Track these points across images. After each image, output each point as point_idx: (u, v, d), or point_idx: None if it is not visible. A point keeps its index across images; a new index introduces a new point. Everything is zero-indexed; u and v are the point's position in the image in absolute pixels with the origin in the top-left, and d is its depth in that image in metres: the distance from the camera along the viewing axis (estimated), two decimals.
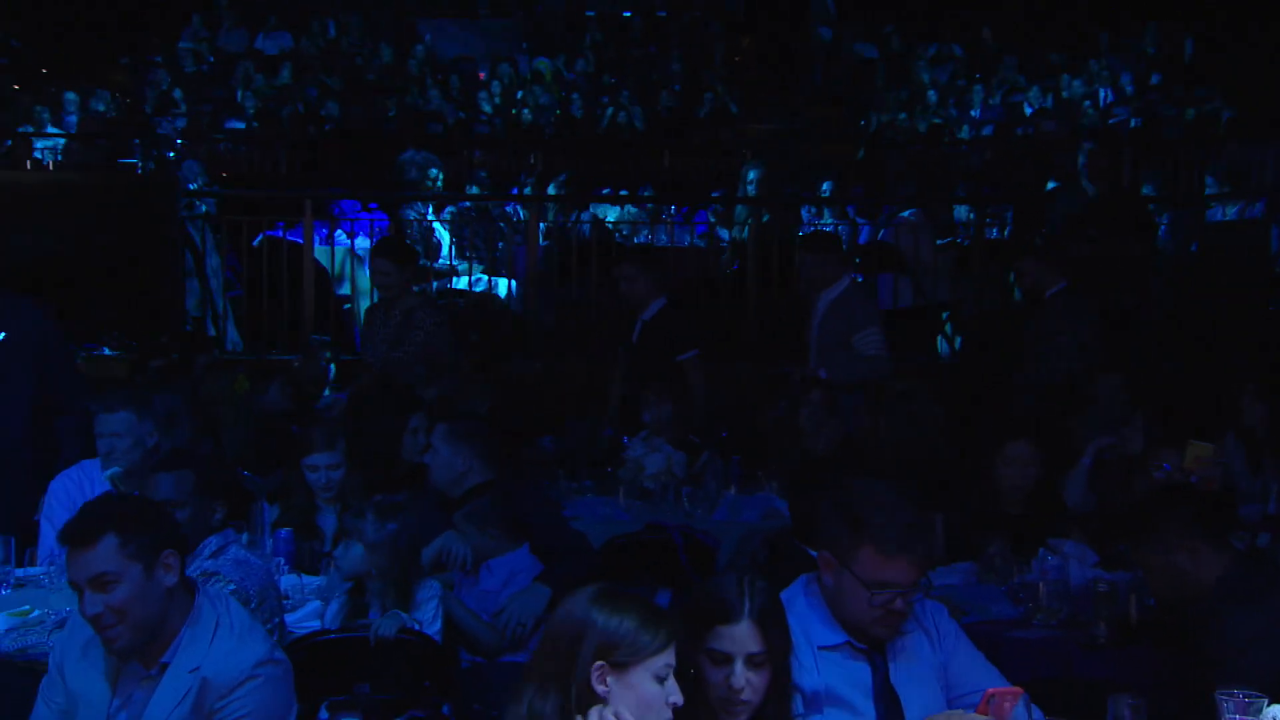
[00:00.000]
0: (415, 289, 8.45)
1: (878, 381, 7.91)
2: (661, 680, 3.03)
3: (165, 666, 3.66)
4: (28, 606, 5.00)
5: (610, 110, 17.16)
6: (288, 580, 5.51)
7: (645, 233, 12.56)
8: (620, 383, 8.39)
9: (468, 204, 12.88)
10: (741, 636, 3.31)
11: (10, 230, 10.56)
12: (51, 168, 13.81)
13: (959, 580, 5.55)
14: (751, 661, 3.31)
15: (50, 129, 15.27)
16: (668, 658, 3.04)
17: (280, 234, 11.83)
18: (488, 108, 17.39)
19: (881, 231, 12.54)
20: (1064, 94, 16.99)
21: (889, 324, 8.71)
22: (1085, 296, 8.35)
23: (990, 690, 3.51)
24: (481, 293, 11.93)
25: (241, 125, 16.21)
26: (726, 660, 3.31)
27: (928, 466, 6.74)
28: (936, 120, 16.51)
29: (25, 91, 17.00)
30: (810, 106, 17.65)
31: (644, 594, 5.26)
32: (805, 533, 4.87)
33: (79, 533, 3.59)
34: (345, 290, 11.80)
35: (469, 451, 5.81)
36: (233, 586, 4.68)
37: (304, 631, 5.03)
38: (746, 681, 3.30)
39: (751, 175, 13.23)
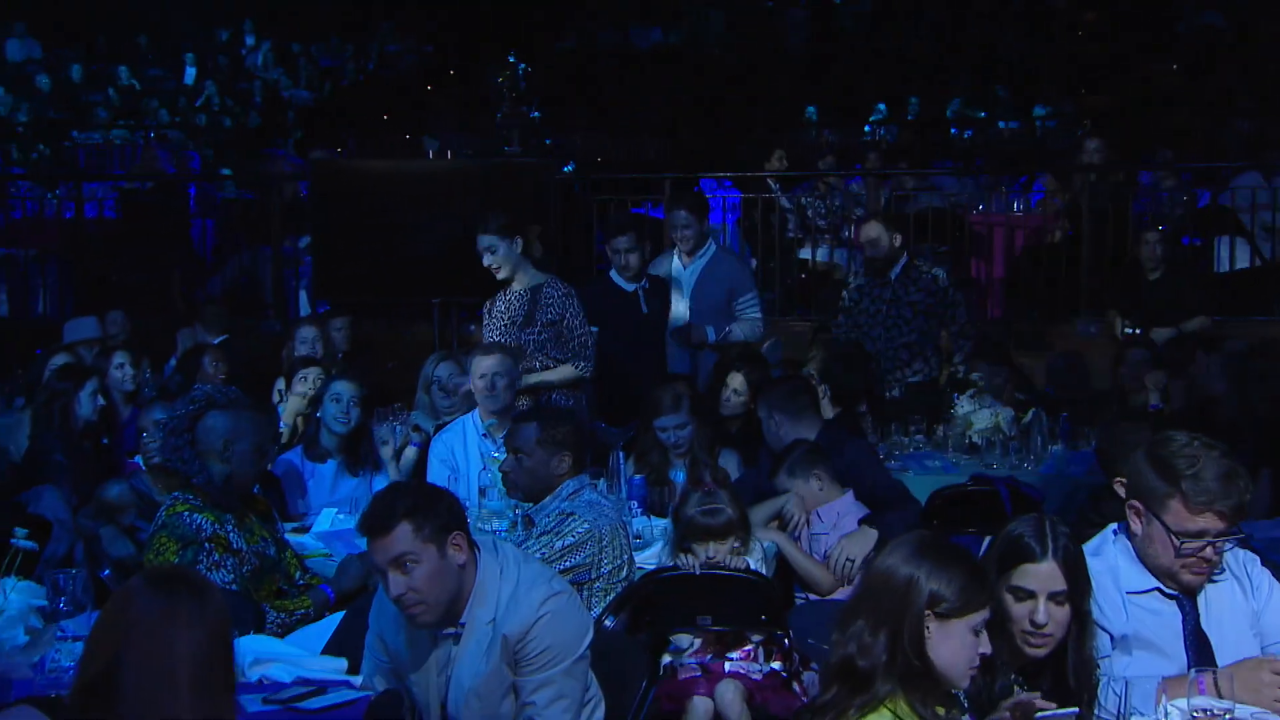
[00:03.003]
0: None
1: (1208, 340, 7.40)
2: (977, 633, 2.99)
3: (464, 626, 3.70)
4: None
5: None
6: (640, 522, 5.66)
7: (981, 204, 12.23)
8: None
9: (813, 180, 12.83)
10: (1045, 575, 3.26)
11: (409, 214, 11.13)
12: (450, 156, 14.45)
13: None
14: (1054, 599, 3.25)
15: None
16: (986, 613, 3.02)
17: (645, 211, 12.07)
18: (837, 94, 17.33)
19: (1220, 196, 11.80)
20: None
21: (1227, 285, 8.17)
22: None
23: None
24: (825, 263, 11.90)
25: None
26: (1030, 597, 3.26)
27: (1264, 422, 6.38)
28: None
29: (435, 91, 17.90)
30: (1152, 76, 16.79)
31: (968, 542, 5.21)
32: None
33: (377, 522, 3.61)
34: None
35: (780, 411, 5.87)
36: (587, 526, 4.84)
37: (652, 567, 5.16)
38: (1049, 617, 3.25)
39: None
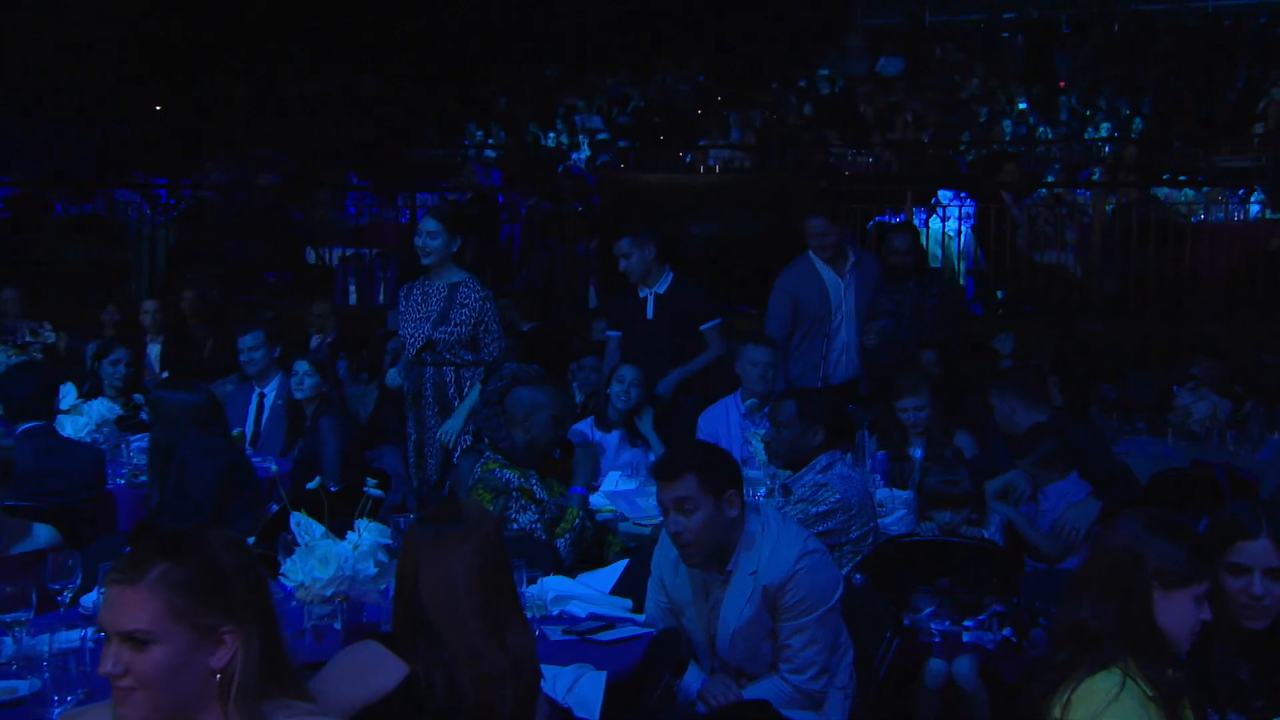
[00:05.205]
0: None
1: None
2: (1198, 602, 2.83)
3: (730, 574, 3.72)
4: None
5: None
6: (882, 493, 5.57)
7: (1201, 213, 11.57)
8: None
9: (1044, 191, 12.37)
10: (1260, 551, 3.04)
11: (691, 219, 11.29)
12: (718, 170, 14.53)
13: None
14: (1270, 573, 3.04)
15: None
16: (1207, 584, 2.84)
17: (887, 218, 11.85)
18: (1064, 115, 16.72)
19: None
20: None
21: None
22: None
23: None
24: (1053, 263, 11.47)
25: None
26: (1246, 572, 3.05)
27: None
28: None
29: (705, 114, 18.00)
30: None
31: (1189, 520, 4.95)
32: None
33: (669, 470, 3.68)
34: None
35: (1015, 398, 5.67)
36: (838, 496, 4.80)
37: (895, 533, 5.08)
38: (1266, 589, 3.04)
39: None
